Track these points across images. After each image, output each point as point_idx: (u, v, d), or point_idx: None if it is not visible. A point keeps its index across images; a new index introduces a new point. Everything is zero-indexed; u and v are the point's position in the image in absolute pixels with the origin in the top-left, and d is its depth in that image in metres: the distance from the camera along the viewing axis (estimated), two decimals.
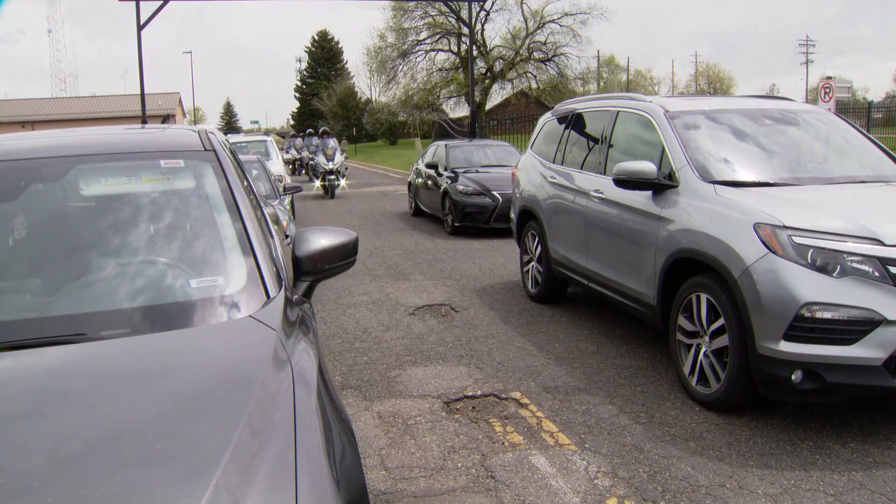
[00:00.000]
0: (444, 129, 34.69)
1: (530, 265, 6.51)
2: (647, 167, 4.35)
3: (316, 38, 71.62)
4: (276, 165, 13.30)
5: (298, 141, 29.01)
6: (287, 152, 27.89)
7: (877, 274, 3.27)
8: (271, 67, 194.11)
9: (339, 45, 71.93)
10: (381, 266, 8.35)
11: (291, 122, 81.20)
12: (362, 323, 5.87)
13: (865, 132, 5.07)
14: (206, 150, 2.49)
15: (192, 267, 2.08)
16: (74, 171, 2.40)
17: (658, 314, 4.33)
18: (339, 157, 17.43)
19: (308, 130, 29.19)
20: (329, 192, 17.12)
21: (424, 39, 41.40)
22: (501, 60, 40.97)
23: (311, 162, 19.60)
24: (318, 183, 17.51)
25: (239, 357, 1.73)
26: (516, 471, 3.24)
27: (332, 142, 17.92)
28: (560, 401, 4.06)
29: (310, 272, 2.27)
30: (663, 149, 4.52)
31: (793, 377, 3.35)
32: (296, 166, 27.43)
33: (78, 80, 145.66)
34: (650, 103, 4.95)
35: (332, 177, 17.09)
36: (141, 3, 19.82)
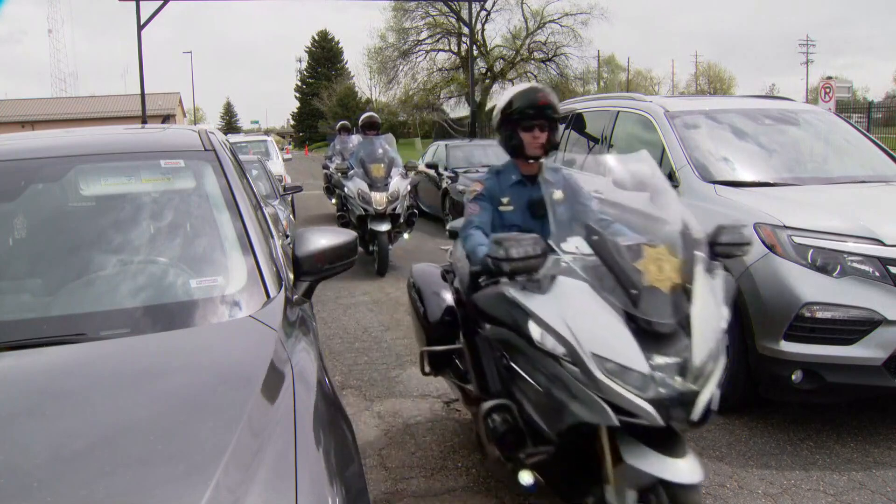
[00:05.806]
0: (445, 129, 34.68)
1: None
2: None
3: (316, 38, 71.70)
4: (277, 165, 13.31)
5: (354, 138, 12.10)
6: (331, 160, 12.51)
7: (877, 274, 3.27)
8: (271, 67, 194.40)
9: (339, 46, 72.01)
10: None
11: (292, 122, 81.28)
12: (362, 323, 5.86)
13: (865, 132, 5.07)
14: (206, 150, 2.49)
15: (193, 267, 2.08)
16: (74, 171, 2.40)
17: None
18: (396, 184, 8.01)
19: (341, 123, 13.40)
20: (379, 260, 7.79)
21: (425, 39, 41.36)
22: (502, 60, 40.93)
23: (343, 189, 8.58)
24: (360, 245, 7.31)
25: (239, 357, 1.73)
26: None
27: (383, 143, 8.39)
28: None
29: (310, 272, 2.26)
30: (663, 149, 4.52)
31: (793, 377, 3.35)
32: (331, 187, 12.38)
33: (78, 80, 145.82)
34: (650, 103, 4.95)
35: (384, 227, 7.77)
36: (141, 3, 19.82)
